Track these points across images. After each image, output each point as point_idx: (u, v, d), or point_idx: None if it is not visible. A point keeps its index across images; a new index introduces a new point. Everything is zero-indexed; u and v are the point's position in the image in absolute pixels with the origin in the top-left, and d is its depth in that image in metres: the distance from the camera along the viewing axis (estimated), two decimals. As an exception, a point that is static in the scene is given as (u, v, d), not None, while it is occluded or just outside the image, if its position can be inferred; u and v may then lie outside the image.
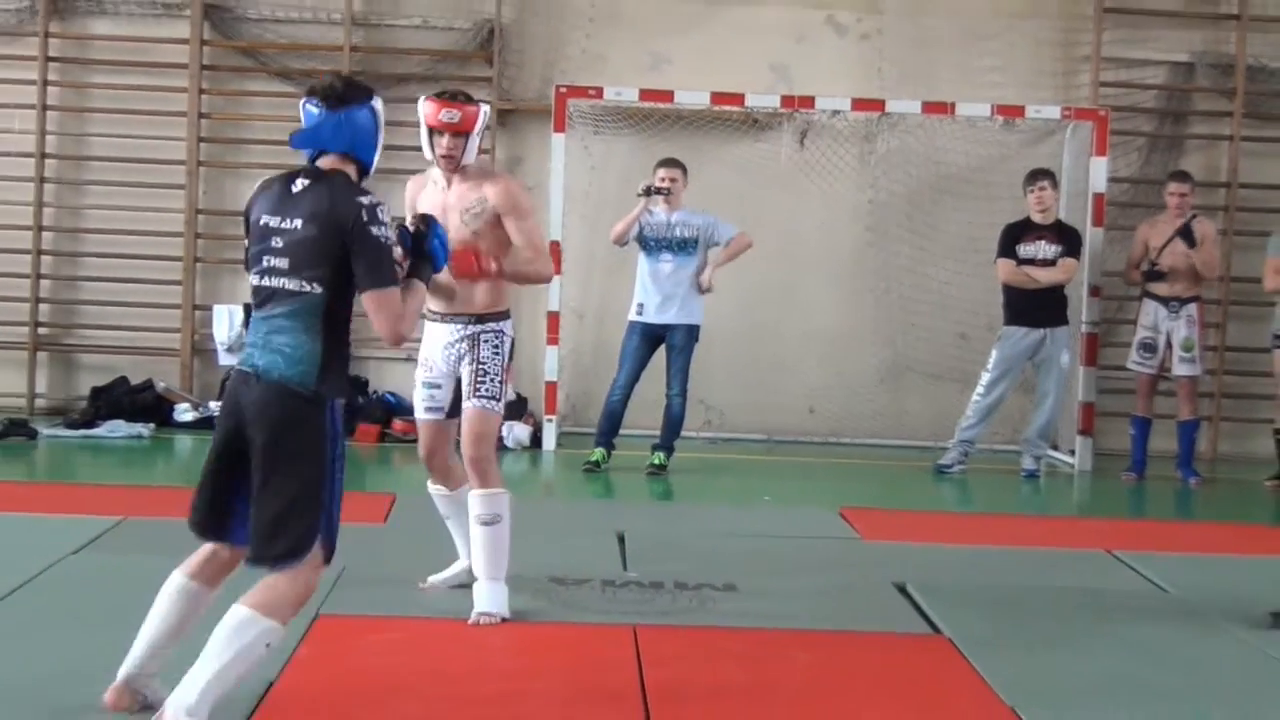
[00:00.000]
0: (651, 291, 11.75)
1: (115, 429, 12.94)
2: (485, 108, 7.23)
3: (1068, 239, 12.36)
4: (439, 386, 7.29)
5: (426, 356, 7.31)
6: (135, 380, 13.67)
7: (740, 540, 9.16)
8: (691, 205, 11.88)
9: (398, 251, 5.51)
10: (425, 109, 7.19)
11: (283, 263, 5.31)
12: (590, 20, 14.10)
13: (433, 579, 7.54)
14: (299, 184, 5.40)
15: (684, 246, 11.73)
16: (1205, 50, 14.25)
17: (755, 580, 7.99)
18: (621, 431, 12.02)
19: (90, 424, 13.04)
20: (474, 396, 7.07)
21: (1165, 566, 8.75)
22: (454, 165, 7.16)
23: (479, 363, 7.10)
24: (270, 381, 5.27)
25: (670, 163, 11.88)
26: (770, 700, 6.01)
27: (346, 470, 5.45)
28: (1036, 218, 12.34)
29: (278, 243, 5.32)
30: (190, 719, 5.01)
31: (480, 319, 7.15)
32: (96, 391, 13.54)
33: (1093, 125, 13.26)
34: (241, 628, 5.13)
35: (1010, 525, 10.57)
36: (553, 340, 13.15)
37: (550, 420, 13.18)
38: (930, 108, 13.40)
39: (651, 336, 11.82)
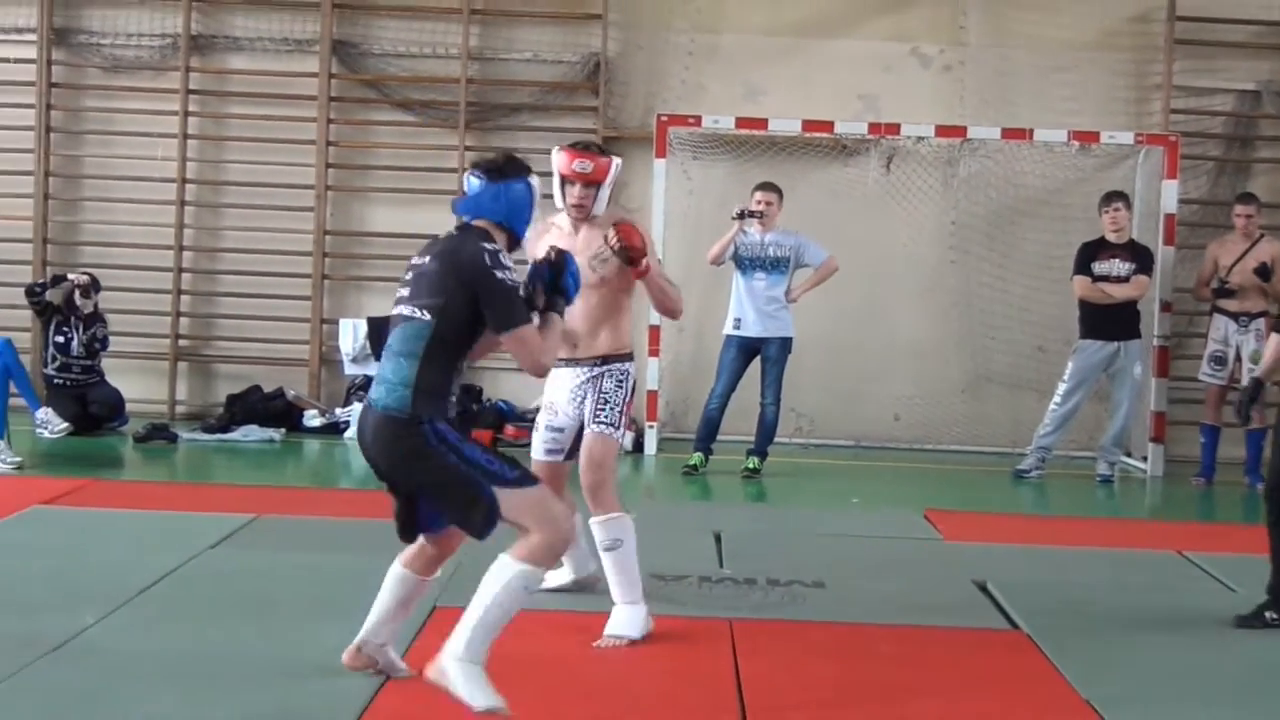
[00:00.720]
0: (747, 307, 11.75)
1: (249, 433, 13.06)
2: (618, 160, 6.94)
3: (1140, 257, 12.25)
4: (561, 430, 7.00)
5: (551, 400, 7.05)
6: (267, 388, 13.78)
7: (829, 540, 9.13)
8: (784, 227, 11.87)
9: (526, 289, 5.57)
10: (558, 159, 6.87)
11: (405, 291, 5.55)
12: (690, 54, 14.11)
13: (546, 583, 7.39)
14: (445, 233, 5.64)
15: (777, 265, 11.72)
16: (1271, 79, 14.05)
17: (843, 577, 7.96)
18: (718, 437, 12.01)
19: (226, 429, 13.16)
20: (594, 423, 6.78)
21: (1233, 567, 8.62)
22: (584, 215, 6.86)
23: (601, 393, 6.82)
24: (376, 411, 5.46)
25: (766, 186, 11.87)
26: (857, 691, 5.98)
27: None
28: (1111, 237, 12.24)
29: (408, 275, 5.57)
30: (457, 661, 5.22)
31: (605, 360, 6.88)
32: (232, 399, 13.66)
33: (1164, 150, 13.13)
34: (501, 574, 5.33)
35: (1085, 527, 10.47)
36: (654, 352, 13.16)
37: (652, 427, 13.20)
38: (1009, 134, 13.33)
39: (747, 349, 11.82)
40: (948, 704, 5.90)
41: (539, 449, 7.09)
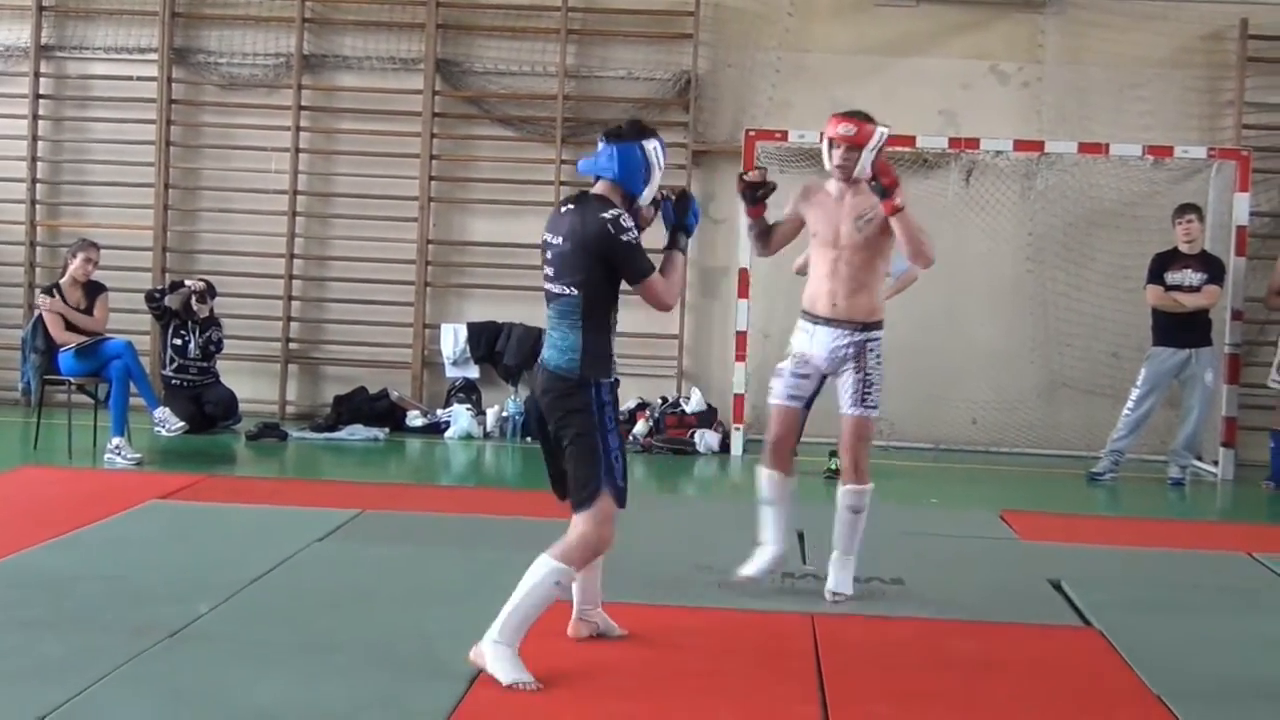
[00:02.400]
0: (831, 314, 11.70)
1: (354, 432, 13.16)
2: (883, 129, 7.08)
3: (1212, 267, 12.13)
4: (807, 378, 7.25)
5: (801, 351, 7.27)
6: (372, 390, 13.90)
7: (909, 538, 9.08)
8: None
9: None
10: (827, 125, 7.14)
11: (551, 271, 5.89)
12: (777, 71, 14.10)
13: (745, 571, 7.31)
14: (565, 208, 5.92)
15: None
16: (1341, 94, 13.90)
17: (922, 575, 7.92)
18: (802, 439, 11.95)
19: (333, 428, 13.28)
20: (860, 405, 7.04)
21: (1302, 568, 8.53)
22: (846, 176, 7.07)
23: (865, 372, 7.04)
24: (548, 370, 5.88)
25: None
26: (934, 684, 5.95)
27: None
28: (1183, 247, 12.13)
29: (549, 255, 5.89)
30: (492, 644, 5.67)
31: (865, 327, 7.06)
32: (339, 399, 13.78)
33: (1235, 164, 12.98)
34: (535, 570, 5.77)
35: (1157, 529, 10.35)
36: (740, 357, 13.15)
37: (738, 429, 13.19)
38: (1085, 148, 13.23)
39: (829, 354, 11.78)
40: (1022, 698, 5.85)
41: (781, 394, 7.31)
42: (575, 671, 5.92)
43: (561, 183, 14.02)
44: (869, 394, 7.05)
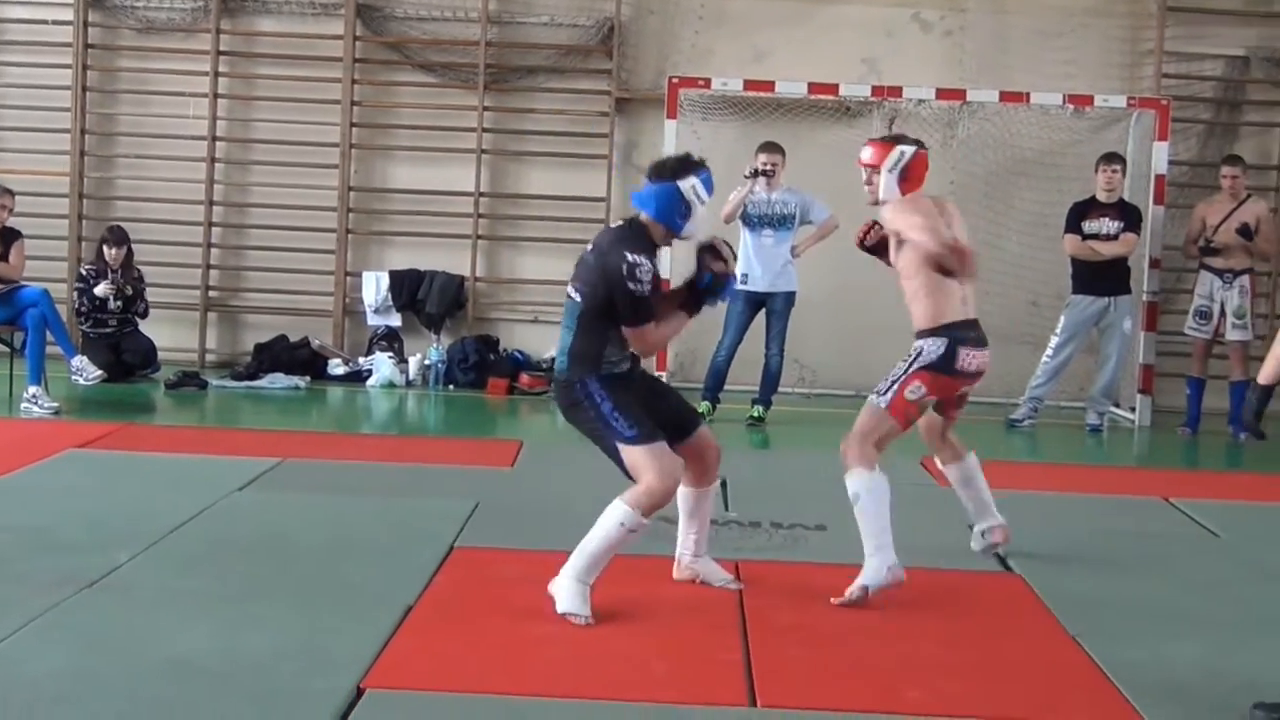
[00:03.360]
0: (754, 263, 11.72)
1: (275, 381, 13.06)
2: (903, 148, 6.92)
3: (1129, 216, 12.22)
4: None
5: None
6: (293, 338, 13.78)
7: (831, 485, 9.00)
8: (789, 185, 11.84)
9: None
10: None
11: (574, 271, 6.30)
12: (700, 18, 14.03)
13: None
14: (616, 224, 6.56)
15: (783, 222, 11.70)
16: (1260, 45, 13.97)
17: (844, 521, 7.90)
18: (725, 387, 12.00)
19: (253, 376, 13.17)
20: (874, 392, 6.85)
21: (1217, 513, 8.63)
22: (873, 200, 7.03)
23: (895, 366, 6.82)
24: (555, 374, 6.38)
25: (771, 147, 11.83)
26: (855, 627, 5.99)
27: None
28: (1102, 196, 12.22)
29: (581, 256, 6.34)
30: (565, 577, 5.98)
31: (919, 335, 6.83)
32: (259, 348, 13.66)
33: (1155, 113, 13.04)
34: (609, 513, 5.99)
35: (1076, 475, 10.46)
36: (664, 305, 13.11)
37: (661, 376, 13.16)
38: (1007, 97, 13.25)
39: (754, 303, 11.80)
40: (943, 641, 5.90)
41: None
42: (501, 621, 5.91)
43: (484, 129, 13.93)
44: (883, 381, 6.83)
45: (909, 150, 6.90)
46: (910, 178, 6.90)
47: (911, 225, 6.79)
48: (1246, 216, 12.27)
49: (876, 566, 6.41)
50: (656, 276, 6.21)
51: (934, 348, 6.70)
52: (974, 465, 7.36)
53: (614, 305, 6.09)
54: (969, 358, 6.77)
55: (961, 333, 6.75)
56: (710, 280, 6.44)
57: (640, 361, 6.47)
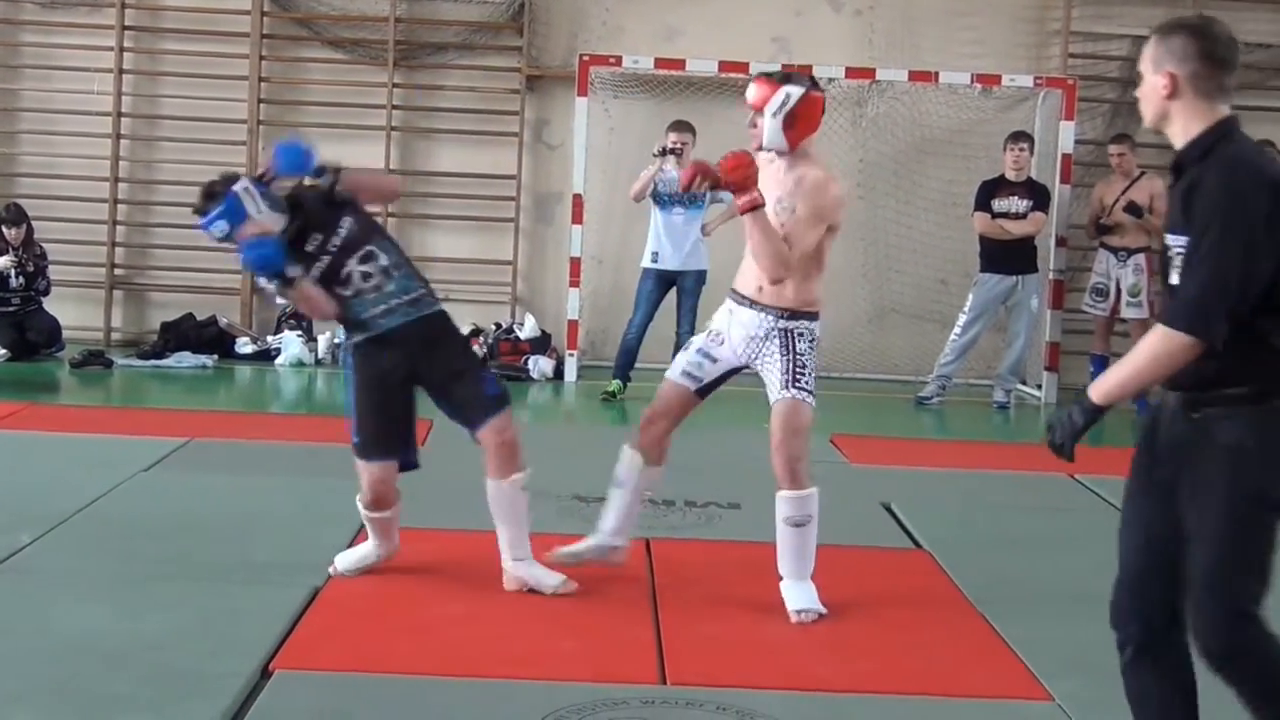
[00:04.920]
0: (665, 241, 11.71)
1: (182, 360, 12.92)
2: (788, 90, 5.97)
3: (1038, 194, 12.32)
4: (715, 361, 6.23)
5: (719, 330, 6.28)
6: (200, 316, 13.64)
7: (743, 463, 9.10)
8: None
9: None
10: None
11: None
12: (611, -5, 14.02)
13: (563, 551, 6.30)
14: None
15: (694, 201, 11.67)
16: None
17: (757, 499, 7.94)
18: (636, 365, 12.00)
19: (160, 355, 13.01)
20: (791, 387, 5.89)
21: (1119, 488, 8.68)
22: (756, 146, 6.14)
23: (796, 355, 5.95)
24: None
25: (681, 126, 11.81)
26: (766, 604, 5.99)
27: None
28: (1011, 175, 12.30)
29: None
30: (514, 563, 6.10)
31: (793, 315, 6.04)
32: (166, 326, 13.51)
33: (1062, 93, 13.19)
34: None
35: (983, 451, 10.53)
36: (574, 283, 13.10)
37: (572, 355, 13.16)
38: (916, 76, 13.31)
39: (664, 281, 11.80)
40: (852, 618, 5.93)
41: (676, 368, 6.32)
42: (411, 601, 5.88)
43: (394, 106, 13.83)
44: (801, 375, 5.93)
45: (796, 92, 5.97)
46: (798, 125, 6.00)
47: (778, 235, 6.09)
48: (1139, 194, 12.38)
49: (814, 591, 6.01)
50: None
51: (818, 333, 6.15)
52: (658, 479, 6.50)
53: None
54: None
55: None
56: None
57: (432, 324, 6.15)
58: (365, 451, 6.07)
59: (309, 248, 5.96)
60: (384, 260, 6.00)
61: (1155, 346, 3.73)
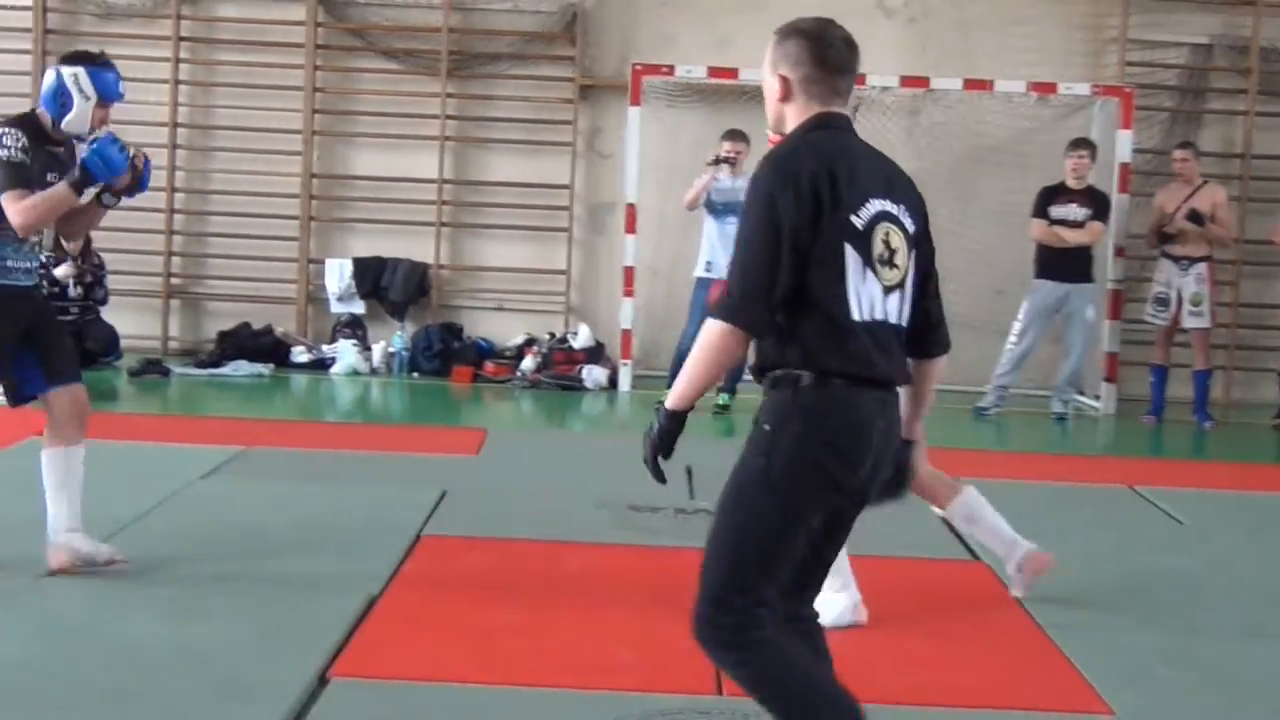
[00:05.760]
0: (719, 250, 11.69)
1: (238, 368, 13.00)
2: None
3: (1098, 203, 12.24)
4: None
5: None
6: (257, 325, 13.74)
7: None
8: (753, 172, 11.81)
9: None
10: None
11: None
12: (662, 4, 14.01)
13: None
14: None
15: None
16: (1223, 33, 14.02)
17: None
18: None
19: (216, 364, 13.11)
20: None
21: (1181, 501, 8.66)
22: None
23: None
24: None
25: (734, 134, 11.82)
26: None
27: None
28: (1071, 182, 12.23)
29: None
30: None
31: None
32: (222, 335, 13.61)
33: (1119, 101, 13.12)
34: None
35: (1042, 463, 10.48)
36: (628, 293, 13.12)
37: (626, 364, 13.17)
38: (971, 85, 13.29)
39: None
40: (911, 630, 5.90)
41: None
42: (468, 609, 5.89)
43: (447, 116, 13.88)
44: None
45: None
46: None
47: None
48: (1201, 203, 12.31)
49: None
50: (50, 161, 6.12)
51: None
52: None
53: None
54: None
55: None
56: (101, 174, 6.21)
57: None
58: None
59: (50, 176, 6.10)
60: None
61: (702, 340, 3.79)
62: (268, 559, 6.55)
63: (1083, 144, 12.39)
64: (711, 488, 8.02)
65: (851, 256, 3.71)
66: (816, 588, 4.02)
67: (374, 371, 13.47)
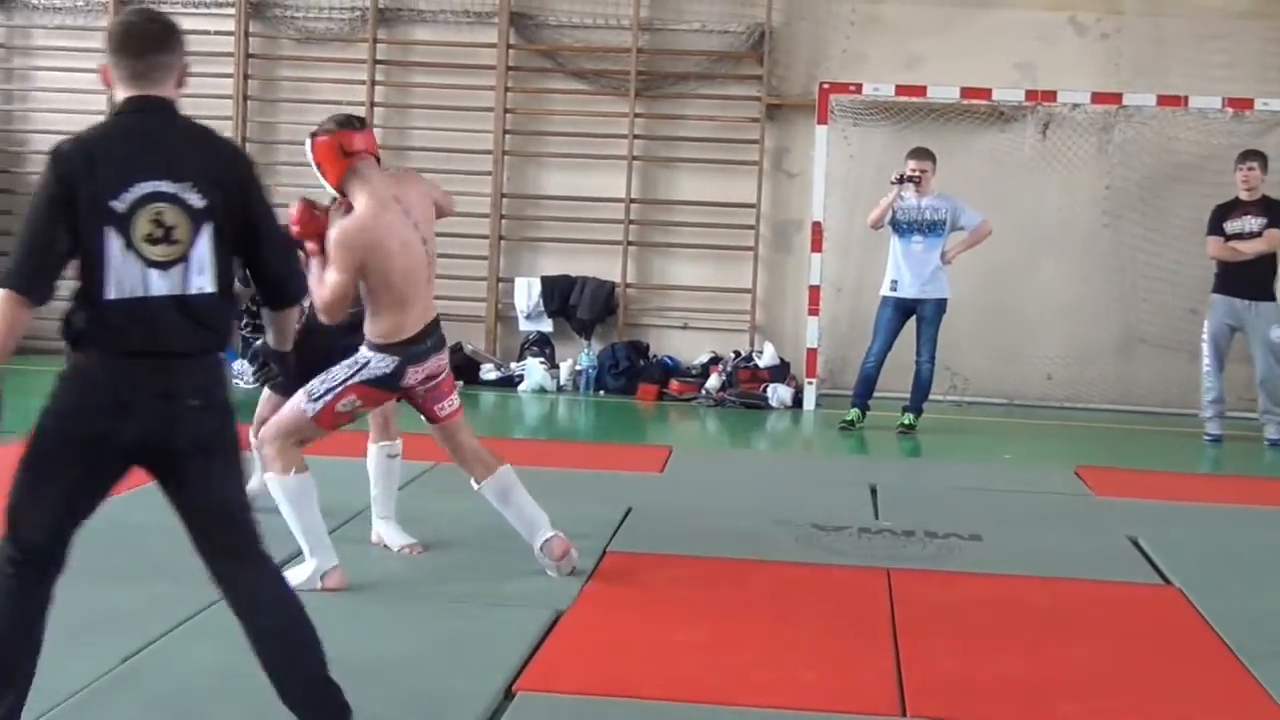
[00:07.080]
0: (904, 269, 11.61)
1: (429, 385, 13.16)
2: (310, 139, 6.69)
3: (1273, 212, 11.79)
4: None
5: None
6: (447, 343, 13.89)
7: (984, 494, 8.99)
8: (940, 191, 11.71)
9: None
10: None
11: None
12: (851, 24, 13.93)
13: None
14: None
15: (933, 228, 11.57)
16: None
17: (998, 531, 7.84)
18: (875, 394, 11.89)
19: (408, 381, 13.28)
20: (305, 390, 6.44)
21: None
22: None
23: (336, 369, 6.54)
24: None
25: (920, 153, 11.72)
26: (1008, 639, 5.88)
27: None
28: (1243, 195, 11.86)
29: None
30: None
31: (370, 345, 6.61)
32: (414, 353, 13.79)
33: (1318, 117, 12.78)
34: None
35: (1238, 485, 10.19)
36: (813, 311, 13.08)
37: (811, 383, 13.12)
38: (1164, 100, 13.04)
39: (904, 309, 11.68)
40: (1096, 654, 5.77)
41: None
42: (653, 626, 5.89)
43: (635, 136, 13.95)
44: (324, 395, 6.48)
45: (309, 142, 6.78)
46: (321, 170, 6.82)
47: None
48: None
49: (314, 570, 6.24)
50: None
51: (381, 365, 6.53)
52: (509, 479, 6.92)
53: None
54: (416, 374, 6.69)
55: (415, 349, 6.64)
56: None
57: None
58: None
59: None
60: None
61: None
62: (456, 573, 6.62)
63: (1251, 155, 12.00)
64: (896, 507, 7.98)
65: (112, 239, 3.99)
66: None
67: (561, 389, 13.57)
